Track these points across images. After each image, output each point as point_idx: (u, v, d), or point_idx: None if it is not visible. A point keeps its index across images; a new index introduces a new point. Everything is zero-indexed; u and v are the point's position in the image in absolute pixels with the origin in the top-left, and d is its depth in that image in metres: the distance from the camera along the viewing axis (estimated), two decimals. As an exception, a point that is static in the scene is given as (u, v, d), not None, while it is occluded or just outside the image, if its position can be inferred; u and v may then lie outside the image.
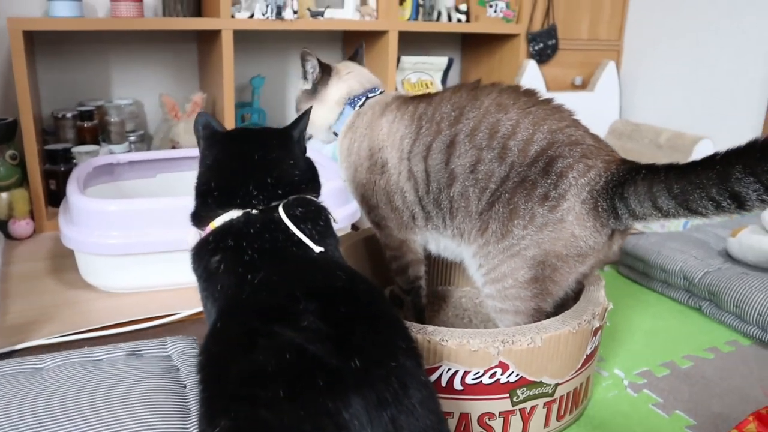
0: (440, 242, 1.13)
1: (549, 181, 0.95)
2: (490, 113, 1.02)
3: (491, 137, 1.01)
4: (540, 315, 1.01)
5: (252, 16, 2.04)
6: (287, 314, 0.67)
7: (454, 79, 2.73)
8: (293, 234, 0.80)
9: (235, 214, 0.84)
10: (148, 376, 0.96)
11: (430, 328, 0.93)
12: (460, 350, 0.90)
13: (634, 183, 0.91)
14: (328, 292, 0.71)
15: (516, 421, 0.96)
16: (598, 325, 1.01)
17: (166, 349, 1.07)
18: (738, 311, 1.35)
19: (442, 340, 0.91)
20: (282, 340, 0.64)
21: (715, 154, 0.85)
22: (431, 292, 1.40)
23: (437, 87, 2.47)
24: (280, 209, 0.82)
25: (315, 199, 0.89)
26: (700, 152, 2.32)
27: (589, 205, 0.94)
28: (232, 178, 0.88)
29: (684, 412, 1.09)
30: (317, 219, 0.84)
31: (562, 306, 1.05)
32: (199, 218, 0.88)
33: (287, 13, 2.07)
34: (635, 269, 1.59)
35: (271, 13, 2.06)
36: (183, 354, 1.05)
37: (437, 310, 1.33)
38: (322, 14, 2.19)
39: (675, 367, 1.23)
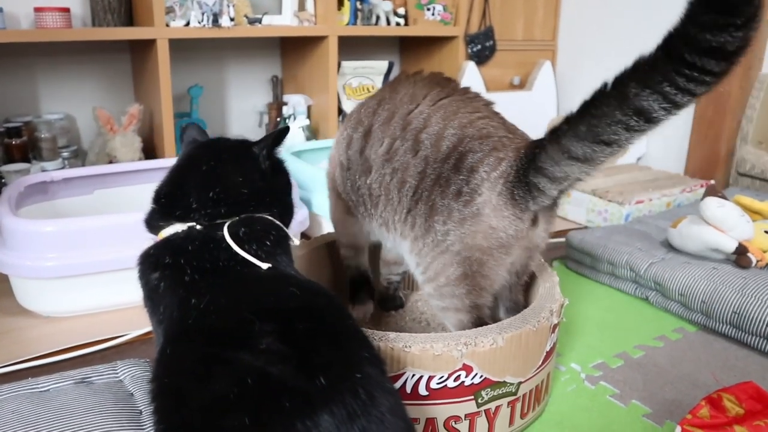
0: (377, 233, 1.13)
1: (461, 177, 0.95)
2: (404, 104, 1.04)
3: (404, 128, 1.02)
4: (480, 310, 1.01)
5: (188, 24, 2.00)
6: (243, 338, 0.64)
7: (394, 82, 2.73)
8: (237, 253, 0.78)
9: (179, 227, 0.82)
10: (101, 404, 0.91)
11: (392, 335, 0.92)
12: (423, 355, 0.90)
13: (544, 149, 0.90)
14: (283, 311, 0.69)
15: (481, 423, 0.96)
16: (555, 322, 1.02)
17: (117, 373, 1.02)
18: (683, 299, 1.39)
19: (405, 347, 0.90)
20: (241, 366, 0.62)
21: (605, 84, 0.86)
22: (386, 297, 1.40)
23: (378, 91, 2.47)
24: (225, 229, 0.79)
25: (268, 217, 0.86)
26: (633, 147, 2.39)
27: (505, 196, 0.93)
28: (176, 188, 0.85)
29: (640, 401, 1.12)
30: (264, 239, 0.81)
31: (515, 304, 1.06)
32: (149, 225, 0.85)
33: (224, 21, 2.03)
34: (583, 264, 1.62)
35: (208, 20, 2.01)
36: (136, 378, 1.00)
37: (394, 316, 1.32)
38: (259, 21, 2.16)
39: (628, 357, 1.26)
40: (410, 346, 0.90)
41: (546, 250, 1.46)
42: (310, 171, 1.81)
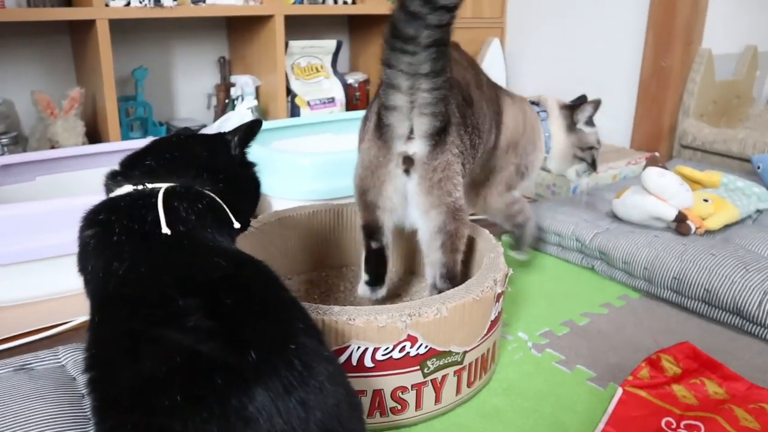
0: None
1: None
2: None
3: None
4: (368, 230, 1.11)
5: (128, 4, 1.94)
6: (169, 315, 0.63)
7: (344, 61, 2.71)
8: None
9: (128, 188, 0.81)
10: (40, 390, 0.90)
11: (336, 308, 0.92)
12: (368, 327, 0.90)
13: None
14: (208, 284, 0.67)
15: (428, 392, 0.97)
16: (500, 291, 1.04)
17: (59, 359, 1.00)
18: (626, 267, 1.43)
19: (349, 319, 0.90)
20: (169, 344, 0.61)
21: None
22: (338, 274, 1.40)
23: (327, 70, 2.45)
24: (161, 191, 0.78)
25: (214, 196, 0.85)
26: (583, 121, 2.43)
27: (374, 126, 1.03)
28: (141, 154, 0.86)
29: (584, 366, 1.15)
30: (197, 212, 0.79)
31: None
32: (105, 187, 0.84)
33: (167, 0, 1.98)
34: (543, 240, 1.65)
35: (149, 0, 1.96)
36: (78, 363, 0.98)
37: (344, 291, 1.33)
38: (203, 0, 2.11)
39: (574, 325, 1.29)
40: (354, 319, 0.90)
41: (492, 224, 1.48)
42: (259, 151, 1.79)
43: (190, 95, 2.47)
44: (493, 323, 1.04)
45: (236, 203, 0.86)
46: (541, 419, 1.01)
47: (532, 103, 1.41)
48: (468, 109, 1.09)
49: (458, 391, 1.01)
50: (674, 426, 0.98)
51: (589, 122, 1.40)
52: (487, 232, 1.21)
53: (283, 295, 0.73)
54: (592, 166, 1.43)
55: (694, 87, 2.20)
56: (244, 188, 0.92)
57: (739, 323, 1.29)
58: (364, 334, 0.91)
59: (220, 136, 0.91)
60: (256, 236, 1.26)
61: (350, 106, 2.54)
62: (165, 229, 0.73)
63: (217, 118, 2.31)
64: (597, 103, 1.38)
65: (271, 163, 1.73)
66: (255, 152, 1.75)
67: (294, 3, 2.28)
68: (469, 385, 1.03)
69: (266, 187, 1.68)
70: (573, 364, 1.15)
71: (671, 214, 1.46)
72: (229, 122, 2.17)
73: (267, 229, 1.29)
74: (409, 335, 0.92)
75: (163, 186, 0.79)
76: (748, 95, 2.52)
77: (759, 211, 1.64)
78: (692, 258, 1.35)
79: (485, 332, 1.02)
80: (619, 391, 1.04)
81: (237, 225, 0.85)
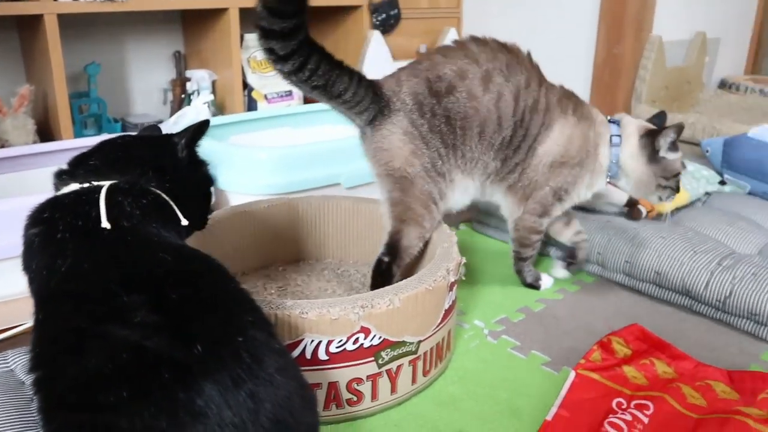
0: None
1: None
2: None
3: None
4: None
5: (76, -2, 1.90)
6: (115, 311, 0.63)
7: (302, 54, 2.69)
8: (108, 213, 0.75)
9: (74, 187, 0.80)
10: (-12, 393, 0.88)
11: (289, 302, 0.92)
12: (320, 320, 0.91)
13: None
14: (154, 279, 0.67)
15: (384, 383, 0.98)
16: (453, 280, 1.05)
17: (7, 363, 0.99)
18: (581, 253, 1.45)
19: (302, 313, 0.90)
20: (115, 341, 0.61)
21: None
22: (295, 268, 1.40)
23: (285, 63, 2.43)
24: (104, 189, 0.77)
25: (160, 193, 0.84)
26: (539, 109, 2.46)
27: None
28: (88, 153, 0.85)
29: (539, 351, 1.17)
30: (142, 208, 0.78)
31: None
32: (54, 186, 0.83)
33: (116, -6, 1.94)
34: (489, 225, 1.67)
35: (99, -6, 1.92)
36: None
37: (300, 285, 1.33)
38: (154, -7, 2.08)
39: (529, 311, 1.31)
40: (307, 312, 0.90)
41: (454, 214, 1.51)
42: (216, 147, 1.77)
43: (145, 91, 2.43)
44: (447, 312, 1.05)
45: (185, 201, 0.86)
46: (496, 405, 1.02)
47: (612, 122, 1.32)
48: (436, 100, 1.17)
49: (414, 380, 1.02)
50: (625, 406, 1.00)
51: (673, 148, 1.27)
52: (441, 221, 1.22)
53: (231, 288, 0.73)
54: (676, 189, 1.32)
55: (645, 73, 2.24)
56: (193, 187, 0.91)
57: (688, 303, 1.32)
58: (317, 327, 0.91)
59: (167, 137, 0.90)
60: (211, 232, 1.25)
61: (308, 99, 2.52)
62: (105, 224, 0.72)
63: (173, 113, 2.27)
64: (679, 128, 1.26)
65: (228, 158, 1.72)
66: (211, 147, 1.74)
67: (248, -5, 2.25)
68: (424, 374, 1.04)
69: (223, 182, 1.70)
70: (528, 350, 1.17)
71: (623, 199, 1.49)
72: (184, 117, 2.15)
73: (222, 225, 1.28)
74: (362, 327, 0.92)
75: (107, 183, 0.78)
76: (699, 80, 2.58)
77: (708, 194, 1.68)
78: (642, 242, 1.38)
79: (439, 321, 1.03)
80: (572, 375, 1.06)
81: (185, 222, 0.84)
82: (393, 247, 1.18)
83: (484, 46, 1.22)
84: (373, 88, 1.16)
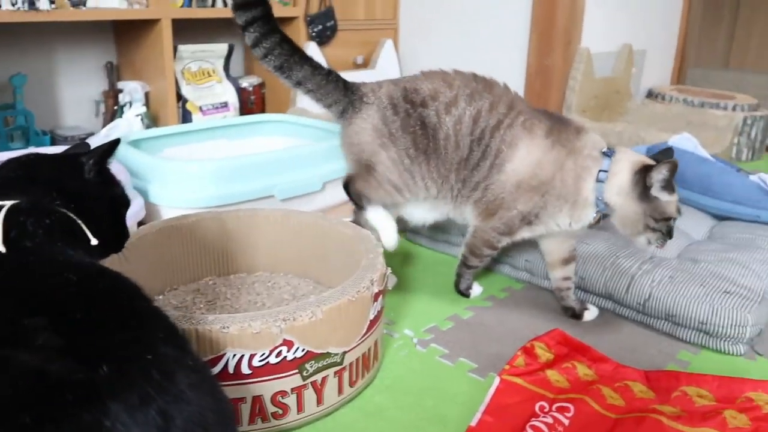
0: None
1: None
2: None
3: None
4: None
5: (-1, 7, 1.85)
6: (15, 336, 0.61)
7: (238, 65, 2.68)
8: (9, 238, 0.73)
9: None
10: None
11: (211, 317, 0.92)
12: (242, 334, 0.90)
13: None
14: (57, 301, 0.65)
15: (309, 395, 0.98)
16: (377, 291, 1.06)
17: None
18: (509, 259, 1.49)
19: (223, 328, 0.90)
20: (16, 366, 0.59)
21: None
22: (225, 281, 1.38)
23: (219, 74, 2.42)
24: (4, 209, 0.75)
25: (67, 213, 0.82)
26: (475, 119, 2.51)
27: None
28: None
29: (467, 358, 1.19)
30: (45, 228, 0.76)
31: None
32: None
33: (42, 3, 1.90)
34: (421, 234, 1.69)
35: (23, 3, 1.87)
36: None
37: (230, 298, 1.31)
38: (84, 3, 2.04)
39: (458, 319, 1.33)
40: (228, 327, 0.90)
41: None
42: (147, 160, 1.75)
43: (76, 102, 2.37)
44: (373, 322, 1.06)
45: (95, 221, 0.84)
46: (422, 413, 1.03)
47: (606, 154, 1.23)
48: (410, 105, 1.25)
49: (340, 391, 1.02)
50: (547, 409, 1.03)
51: (668, 187, 1.18)
52: (368, 233, 1.23)
53: (140, 305, 0.72)
54: (669, 235, 1.24)
55: (575, 84, 2.31)
56: (103, 207, 0.88)
57: (612, 306, 1.37)
58: (239, 341, 0.90)
59: (74, 156, 0.88)
60: (136, 247, 1.23)
61: (245, 110, 2.51)
62: (0, 248, 0.70)
63: (106, 125, 2.23)
64: (673, 166, 1.15)
65: (159, 171, 1.70)
66: (142, 161, 1.72)
67: (182, 6, 2.23)
68: (351, 384, 1.04)
69: (155, 196, 1.68)
70: (456, 357, 1.19)
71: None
72: (116, 130, 2.11)
73: (148, 240, 1.26)
74: (284, 340, 0.92)
75: (8, 203, 0.76)
76: (627, 90, 2.67)
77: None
78: (568, 248, 1.42)
79: (364, 332, 1.03)
80: (497, 380, 1.08)
81: (94, 241, 0.82)
82: (345, 187, 1.34)
83: (461, 75, 1.30)
84: (344, 84, 1.29)
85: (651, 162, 1.20)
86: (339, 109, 1.29)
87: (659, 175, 1.16)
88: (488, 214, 1.30)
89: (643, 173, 1.19)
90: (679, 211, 1.23)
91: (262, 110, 2.61)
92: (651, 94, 2.89)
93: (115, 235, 0.91)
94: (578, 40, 2.34)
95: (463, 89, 1.26)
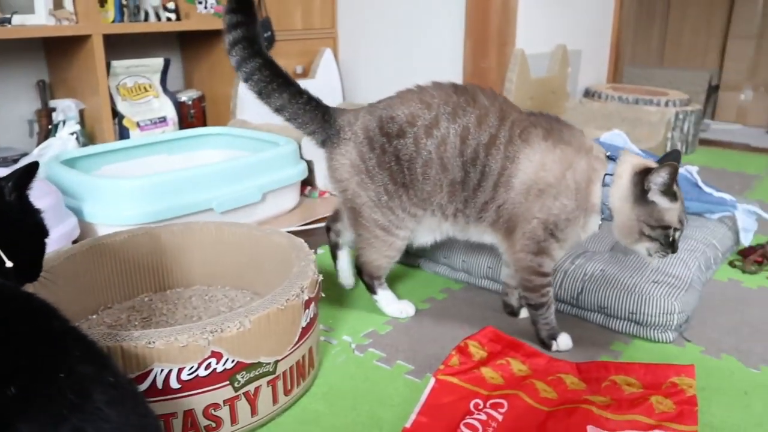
0: None
1: None
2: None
3: None
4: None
5: None
6: None
7: (176, 79, 2.65)
8: None
9: None
10: None
11: (136, 333, 0.91)
12: (169, 349, 0.89)
13: None
14: None
15: (243, 406, 0.98)
16: (307, 298, 1.06)
17: None
18: (447, 261, 1.50)
19: (149, 343, 0.89)
20: None
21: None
22: (161, 297, 1.37)
23: (156, 89, 2.39)
24: None
25: None
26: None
27: None
28: None
29: (404, 361, 1.20)
30: None
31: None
32: None
33: (-36, 23, 1.85)
34: (362, 240, 1.70)
35: (-55, 24, 1.83)
36: None
37: (166, 314, 1.30)
38: (9, 21, 1.99)
39: (397, 322, 1.34)
40: (154, 342, 0.89)
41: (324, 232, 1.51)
42: (81, 179, 1.72)
43: (8, 122, 2.31)
44: (306, 330, 1.06)
45: (10, 245, 0.82)
46: (358, 417, 1.04)
47: (610, 158, 1.18)
48: (386, 139, 1.22)
49: (275, 400, 1.02)
50: (481, 406, 1.04)
51: (668, 193, 1.11)
52: (301, 240, 1.23)
53: (54, 326, 0.71)
54: (670, 247, 1.15)
55: (511, 85, 2.35)
56: (19, 231, 0.86)
57: (547, 303, 1.39)
58: (166, 356, 0.89)
59: None
60: (65, 268, 1.21)
61: (185, 124, 2.49)
62: None
63: (40, 144, 2.18)
64: (673, 169, 1.09)
65: (93, 189, 1.67)
66: (75, 179, 1.69)
67: (113, 22, 2.20)
68: (286, 393, 1.04)
69: (90, 214, 1.65)
70: (393, 360, 1.20)
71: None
72: (50, 149, 2.07)
73: (77, 260, 1.24)
74: (213, 351, 0.92)
75: None
76: (563, 90, 2.73)
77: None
78: (503, 247, 1.44)
79: (296, 340, 1.03)
80: (432, 381, 1.09)
81: (9, 263, 0.81)
82: (358, 266, 1.35)
83: (439, 90, 1.23)
84: (324, 114, 1.27)
85: (654, 165, 1.14)
86: (319, 139, 1.28)
87: (658, 178, 1.10)
88: (509, 233, 1.22)
89: (641, 176, 1.12)
90: (681, 222, 1.14)
91: (204, 124, 2.59)
92: (588, 93, 2.96)
93: (30, 263, 0.88)
94: (513, 42, 2.39)
95: (443, 107, 1.20)
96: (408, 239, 1.31)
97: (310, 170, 2.17)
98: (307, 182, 2.19)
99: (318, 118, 1.26)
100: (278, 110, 1.27)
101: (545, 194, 1.17)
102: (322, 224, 1.92)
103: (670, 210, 1.12)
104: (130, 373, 0.89)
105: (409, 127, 1.21)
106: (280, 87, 1.25)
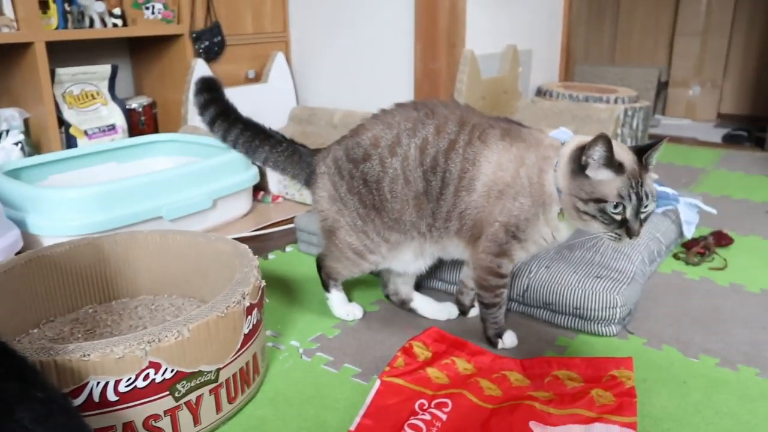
0: None
1: None
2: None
3: None
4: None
5: None
6: None
7: (127, 86, 2.61)
8: None
9: None
10: None
11: (71, 346, 0.89)
12: (105, 361, 0.88)
13: None
14: None
15: (184, 416, 0.97)
16: (250, 304, 1.05)
17: None
18: (396, 263, 1.51)
19: (84, 356, 0.87)
20: None
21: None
22: (106, 308, 1.35)
23: (105, 96, 2.35)
24: None
25: None
26: (369, 127, 2.54)
27: None
28: None
29: (351, 364, 1.20)
30: None
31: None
32: None
33: None
34: (312, 243, 1.69)
35: None
36: None
37: (111, 325, 1.28)
38: (-54, 31, 1.94)
39: (345, 326, 1.34)
40: (89, 354, 0.88)
41: (279, 236, 1.51)
42: (24, 189, 1.68)
43: (-50, 134, 2.25)
44: (248, 337, 1.05)
45: None
46: (304, 423, 1.04)
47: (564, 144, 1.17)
48: (353, 165, 1.25)
49: (218, 408, 1.01)
50: (426, 407, 1.05)
51: (610, 165, 1.06)
52: (245, 247, 1.23)
53: None
54: (618, 226, 1.08)
55: (462, 86, 2.37)
56: None
57: (494, 301, 1.41)
58: (101, 368, 0.88)
59: None
60: (5, 281, 1.19)
61: (136, 131, 2.45)
62: None
63: (-15, 156, 2.13)
64: (606, 140, 1.05)
65: (37, 200, 1.64)
66: (19, 191, 1.65)
67: (57, 28, 2.16)
68: (230, 401, 1.03)
69: (35, 226, 1.62)
70: (340, 364, 1.20)
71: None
72: (-7, 160, 2.02)
73: (16, 273, 1.21)
74: (151, 362, 0.91)
75: None
76: (515, 90, 2.76)
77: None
78: (451, 247, 1.45)
79: (239, 347, 1.03)
80: (377, 383, 1.10)
81: None
82: (318, 264, 1.38)
83: (401, 109, 1.25)
84: (301, 156, 1.33)
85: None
86: (303, 180, 1.34)
87: (592, 150, 1.06)
88: (474, 239, 1.21)
89: (580, 151, 1.09)
90: (622, 196, 1.06)
91: (156, 130, 2.55)
92: (540, 92, 3.00)
93: None
94: (462, 43, 2.41)
95: (404, 124, 1.21)
96: (378, 264, 1.31)
97: (263, 175, 2.16)
98: (260, 187, 2.18)
99: (296, 161, 1.33)
100: (263, 162, 1.37)
101: (505, 195, 1.16)
102: (276, 229, 1.92)
103: (607, 182, 1.07)
104: (65, 387, 0.88)
105: (374, 149, 1.23)
106: (262, 142, 1.35)
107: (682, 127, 3.57)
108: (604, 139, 1.05)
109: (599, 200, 1.07)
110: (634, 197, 1.07)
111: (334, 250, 1.32)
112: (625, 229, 1.08)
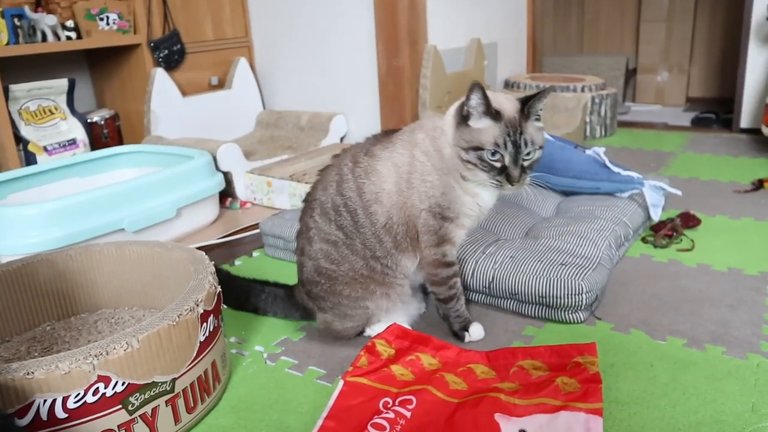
0: None
1: None
2: None
3: None
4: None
5: None
6: None
7: (87, 99, 2.58)
8: None
9: None
10: None
11: (15, 365, 0.86)
12: (50, 378, 0.85)
13: None
14: None
15: (140, 429, 0.94)
16: (205, 311, 1.03)
17: None
18: (362, 262, 1.49)
19: (28, 374, 0.85)
20: None
21: None
22: (65, 325, 1.31)
23: (63, 111, 2.31)
24: None
25: None
26: (335, 128, 2.52)
27: None
28: None
29: (316, 366, 1.18)
30: None
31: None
32: None
33: None
34: (278, 247, 1.67)
35: None
36: None
37: (69, 341, 1.25)
38: None
39: (310, 328, 1.32)
40: (33, 372, 0.85)
41: (249, 242, 1.48)
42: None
43: None
44: (205, 344, 1.03)
45: None
46: (266, 428, 1.01)
47: None
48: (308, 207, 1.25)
49: (177, 419, 0.99)
50: (390, 405, 1.03)
51: (488, 113, 1.07)
52: (202, 254, 1.20)
53: None
54: (499, 173, 1.10)
55: (426, 81, 2.36)
56: None
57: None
58: (47, 385, 0.86)
59: None
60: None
61: (99, 144, 2.41)
62: None
63: (-59, 177, 2.08)
64: (479, 87, 1.06)
65: (-3, 220, 1.60)
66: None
67: (7, 44, 2.12)
68: (189, 411, 1.01)
69: (-4, 246, 1.58)
70: (305, 367, 1.18)
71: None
72: (-51, 180, 1.97)
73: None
74: (99, 376, 0.88)
75: None
76: (482, 83, 2.76)
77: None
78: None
79: (195, 355, 1.00)
80: (341, 383, 1.08)
81: None
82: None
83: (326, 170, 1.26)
84: (290, 295, 1.33)
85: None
86: (300, 313, 1.34)
87: (469, 100, 1.08)
88: (413, 244, 1.19)
89: (462, 105, 1.11)
90: (497, 144, 1.08)
91: (120, 143, 2.52)
92: (507, 84, 3.00)
93: None
94: (424, 38, 2.39)
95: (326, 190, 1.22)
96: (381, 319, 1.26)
97: (228, 181, 2.13)
98: (227, 194, 2.15)
99: (288, 299, 1.34)
100: (262, 313, 1.37)
101: (414, 182, 1.16)
102: (244, 234, 1.89)
103: (484, 130, 1.08)
104: (10, 407, 0.85)
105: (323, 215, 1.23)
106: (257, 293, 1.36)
107: (652, 113, 3.59)
108: (478, 87, 1.07)
109: (477, 148, 1.09)
110: (510, 144, 1.08)
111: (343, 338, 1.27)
112: (505, 175, 1.10)
